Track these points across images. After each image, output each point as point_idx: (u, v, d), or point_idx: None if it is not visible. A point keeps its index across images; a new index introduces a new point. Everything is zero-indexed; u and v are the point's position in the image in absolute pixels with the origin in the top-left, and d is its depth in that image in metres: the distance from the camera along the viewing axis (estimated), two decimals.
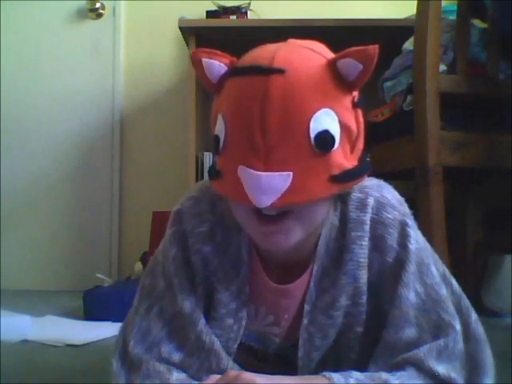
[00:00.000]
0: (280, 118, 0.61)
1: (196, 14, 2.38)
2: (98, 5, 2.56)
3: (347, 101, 0.65)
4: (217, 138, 0.66)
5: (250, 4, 2.33)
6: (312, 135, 0.62)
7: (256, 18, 2.35)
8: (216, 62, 0.67)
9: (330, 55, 0.66)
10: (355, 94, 0.66)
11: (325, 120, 0.62)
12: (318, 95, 0.62)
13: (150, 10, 2.59)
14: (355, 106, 0.66)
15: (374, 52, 0.62)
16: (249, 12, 2.33)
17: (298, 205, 0.64)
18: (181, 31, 2.16)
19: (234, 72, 0.66)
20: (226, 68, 0.67)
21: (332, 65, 0.64)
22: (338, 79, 0.64)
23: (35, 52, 2.59)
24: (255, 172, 0.61)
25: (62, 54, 2.58)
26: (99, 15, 2.58)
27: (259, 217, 0.65)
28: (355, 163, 0.67)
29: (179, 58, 2.57)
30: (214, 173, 0.68)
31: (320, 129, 0.62)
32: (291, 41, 0.68)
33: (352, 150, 0.67)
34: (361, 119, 0.67)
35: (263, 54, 0.65)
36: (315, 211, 0.67)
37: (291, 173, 0.61)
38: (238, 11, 2.28)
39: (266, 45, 0.68)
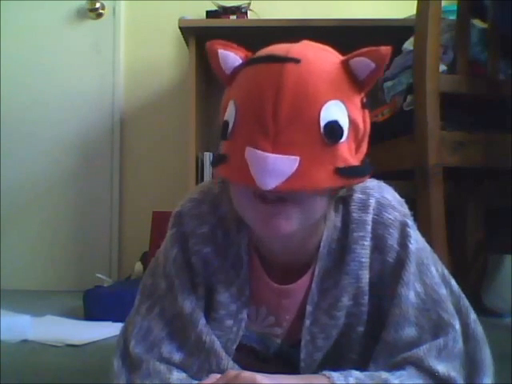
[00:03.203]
0: (292, 103, 0.61)
1: (196, 14, 2.37)
2: (97, 5, 2.56)
3: (357, 99, 0.66)
4: (226, 123, 0.66)
5: (249, 4, 2.33)
6: (322, 124, 0.62)
7: (256, 18, 2.34)
8: (231, 54, 0.67)
9: (342, 57, 0.67)
10: (363, 95, 0.67)
11: (335, 111, 0.63)
12: (331, 87, 0.63)
13: (149, 9, 2.58)
14: (363, 106, 0.67)
15: (387, 52, 0.63)
16: (249, 12, 2.33)
17: (301, 191, 0.63)
18: (181, 31, 2.16)
19: (249, 62, 0.67)
20: (240, 60, 0.67)
21: (345, 63, 0.65)
22: (350, 78, 0.65)
23: (35, 52, 2.58)
24: (262, 153, 0.61)
25: (62, 54, 2.58)
26: (99, 15, 2.58)
27: (261, 200, 0.65)
28: (358, 164, 0.67)
29: (179, 58, 2.57)
30: (219, 157, 0.67)
31: (330, 118, 0.62)
32: (305, 41, 0.69)
33: (357, 149, 0.67)
34: (368, 120, 0.69)
35: (278, 47, 0.67)
36: (315, 201, 0.67)
37: (298, 157, 0.61)
38: (238, 11, 2.28)
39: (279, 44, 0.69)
